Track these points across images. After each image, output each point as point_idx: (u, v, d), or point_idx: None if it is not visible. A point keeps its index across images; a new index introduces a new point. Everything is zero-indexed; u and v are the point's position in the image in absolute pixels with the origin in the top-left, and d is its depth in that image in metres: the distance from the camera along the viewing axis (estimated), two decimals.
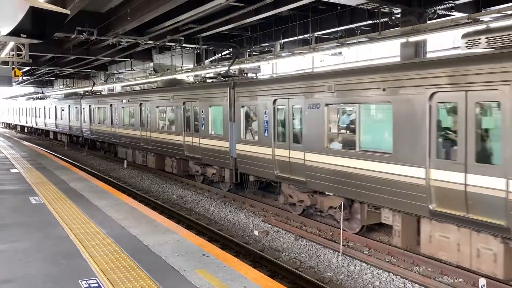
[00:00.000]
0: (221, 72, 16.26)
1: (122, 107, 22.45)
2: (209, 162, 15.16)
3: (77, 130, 30.27)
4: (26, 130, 51.52)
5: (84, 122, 28.57)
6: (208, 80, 17.26)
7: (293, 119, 11.38)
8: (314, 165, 10.47)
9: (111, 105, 23.80)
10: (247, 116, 13.42)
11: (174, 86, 18.56)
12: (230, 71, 17.43)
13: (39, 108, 40.49)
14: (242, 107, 13.31)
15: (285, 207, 12.42)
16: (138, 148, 20.87)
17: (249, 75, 16.16)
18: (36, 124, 42.65)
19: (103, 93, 32.93)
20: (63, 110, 33.05)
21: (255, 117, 12.89)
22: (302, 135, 10.95)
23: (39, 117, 40.73)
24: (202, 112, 15.20)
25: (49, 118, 36.98)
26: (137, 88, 22.30)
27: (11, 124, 60.28)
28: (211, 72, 21.30)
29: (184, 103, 16.40)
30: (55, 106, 34.96)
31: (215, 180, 15.41)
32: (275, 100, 11.82)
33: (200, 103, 15.32)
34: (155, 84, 20.36)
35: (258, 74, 16.00)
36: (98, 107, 26.10)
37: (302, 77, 11.44)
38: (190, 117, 16.19)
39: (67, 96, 34.03)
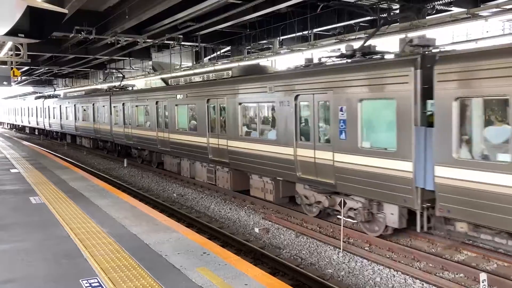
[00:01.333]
0: (353, 49, 10.16)
1: (176, 105, 16.85)
2: (352, 192, 9.64)
3: (105, 134, 24.91)
4: (36, 133, 45.08)
5: (115, 124, 23.25)
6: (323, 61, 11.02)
7: None
8: None
9: (157, 103, 18.42)
10: (472, 116, 7.65)
11: (268, 73, 13.32)
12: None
13: (54, 108, 35.12)
14: (457, 99, 7.54)
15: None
16: (203, 161, 15.52)
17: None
18: (50, 126, 37.21)
19: (136, 88, 26.63)
20: (85, 110, 28.02)
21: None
22: None
23: (54, 118, 35.47)
24: (342, 110, 9.57)
25: (67, 119, 32.02)
26: (196, 79, 16.79)
27: (18, 125, 53.66)
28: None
29: (296, 97, 10.89)
30: (75, 105, 29.83)
31: (358, 219, 9.79)
32: None
33: (335, 96, 9.72)
34: (228, 73, 14.93)
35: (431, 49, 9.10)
36: (136, 106, 20.62)
37: None
38: (312, 118, 10.52)
39: (89, 93, 28.77)
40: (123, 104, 22.06)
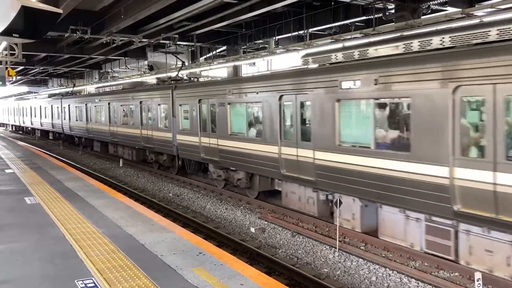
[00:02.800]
0: None
1: (338, 100, 9.66)
2: None
3: (163, 144, 18.34)
4: (51, 137, 38.16)
5: (182, 131, 16.76)
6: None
7: None
8: None
9: (280, 98, 11.45)
10: None
11: None
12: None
13: (76, 107, 29.52)
14: None
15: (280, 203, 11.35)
16: (422, 210, 8.11)
17: None
18: (71, 130, 31.03)
19: (202, 78, 20.15)
20: (125, 111, 22.15)
21: None
22: None
23: (77, 120, 29.57)
24: None
25: (96, 122, 26.24)
26: (371, 52, 9.32)
27: (27, 128, 47.42)
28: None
29: None
30: (109, 104, 24.00)
31: None
32: None
33: None
34: (443, 39, 8.09)
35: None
36: (229, 103, 13.69)
37: None
38: None
39: (132, 88, 22.45)
40: (200, 101, 15.34)
